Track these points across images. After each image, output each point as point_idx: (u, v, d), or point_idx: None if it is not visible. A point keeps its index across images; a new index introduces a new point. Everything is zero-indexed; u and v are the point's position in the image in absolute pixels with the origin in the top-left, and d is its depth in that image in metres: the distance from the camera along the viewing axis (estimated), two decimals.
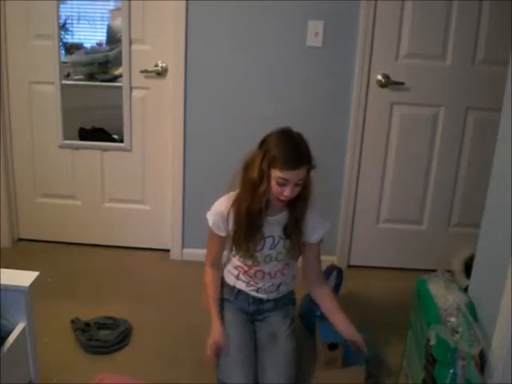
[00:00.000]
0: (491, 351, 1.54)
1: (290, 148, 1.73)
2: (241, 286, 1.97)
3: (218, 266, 2.01)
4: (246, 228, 1.83)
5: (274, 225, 1.87)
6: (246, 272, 1.94)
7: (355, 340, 1.85)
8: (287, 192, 1.72)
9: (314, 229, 1.90)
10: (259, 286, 1.95)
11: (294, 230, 1.86)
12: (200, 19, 2.64)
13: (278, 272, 1.94)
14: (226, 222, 1.86)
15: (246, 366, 1.78)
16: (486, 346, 1.54)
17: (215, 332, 1.85)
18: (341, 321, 1.90)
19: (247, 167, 1.79)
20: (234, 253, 1.93)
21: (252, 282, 1.95)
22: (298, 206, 1.82)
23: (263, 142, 1.79)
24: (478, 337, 1.53)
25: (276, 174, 1.71)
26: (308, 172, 1.77)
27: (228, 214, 1.86)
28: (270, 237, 1.88)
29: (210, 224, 1.90)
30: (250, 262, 1.91)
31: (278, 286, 1.97)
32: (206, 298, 1.96)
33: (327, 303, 1.95)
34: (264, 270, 1.92)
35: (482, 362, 1.55)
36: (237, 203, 1.84)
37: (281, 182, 1.72)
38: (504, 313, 1.49)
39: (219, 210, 1.88)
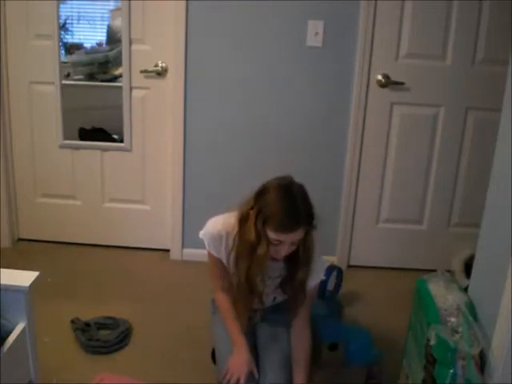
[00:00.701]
0: (491, 351, 1.54)
1: (286, 209, 1.55)
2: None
3: (229, 288, 1.83)
4: (246, 294, 1.73)
5: (268, 269, 1.75)
6: None
7: None
8: (283, 252, 1.60)
9: (312, 278, 1.74)
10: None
11: (291, 288, 1.75)
12: (200, 19, 2.64)
13: (270, 293, 1.90)
14: (219, 247, 1.76)
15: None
16: (486, 346, 1.54)
17: (242, 364, 1.71)
18: (297, 368, 1.78)
19: (243, 221, 1.64)
20: None
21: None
22: (300, 271, 1.67)
23: (260, 195, 1.61)
24: (478, 337, 1.53)
25: (270, 234, 1.56)
26: (308, 232, 1.61)
27: (220, 239, 1.74)
28: (260, 275, 1.77)
29: (207, 247, 1.78)
30: None
31: (274, 299, 1.95)
32: (227, 325, 1.82)
33: (298, 353, 1.81)
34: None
35: (482, 361, 1.54)
36: (236, 265, 1.70)
37: (275, 243, 1.58)
38: (504, 313, 1.48)
39: (213, 232, 1.76)
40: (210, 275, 1.87)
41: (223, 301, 1.84)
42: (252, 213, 1.60)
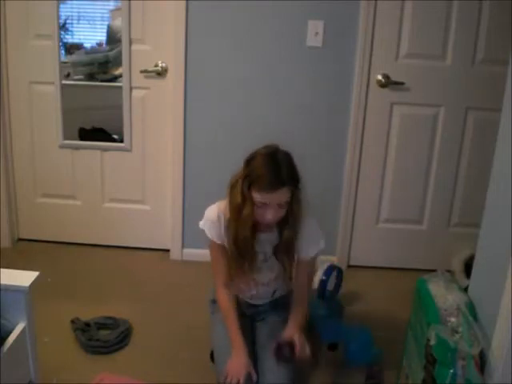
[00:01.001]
0: (491, 351, 1.54)
1: (269, 169, 1.63)
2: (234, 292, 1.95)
3: (230, 282, 1.87)
4: (236, 257, 1.77)
5: (265, 242, 1.81)
6: (237, 283, 1.89)
7: (293, 340, 1.72)
8: (269, 215, 1.65)
9: (307, 245, 1.82)
10: (253, 293, 1.93)
11: (284, 253, 1.80)
12: (200, 19, 2.64)
13: (272, 281, 1.91)
14: (219, 230, 1.80)
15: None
16: (486, 346, 1.54)
17: (241, 366, 1.73)
18: (293, 319, 1.82)
19: (232, 188, 1.72)
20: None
21: (246, 290, 1.93)
22: (285, 230, 1.74)
23: (248, 162, 1.70)
24: (478, 337, 1.53)
25: (255, 195, 1.64)
26: (294, 195, 1.68)
27: (219, 221, 1.79)
28: (261, 252, 1.82)
29: (209, 235, 1.82)
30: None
31: (273, 293, 1.95)
32: (227, 326, 1.84)
33: (296, 297, 1.88)
34: (257, 280, 1.89)
35: (482, 362, 1.55)
36: (227, 230, 1.77)
37: (260, 205, 1.65)
38: (504, 313, 1.49)
39: (211, 217, 1.81)
40: (213, 269, 1.88)
41: (225, 299, 1.85)
42: (240, 179, 1.69)
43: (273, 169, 1.63)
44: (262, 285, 1.89)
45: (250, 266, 1.79)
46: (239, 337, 1.79)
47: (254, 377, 1.73)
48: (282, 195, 1.63)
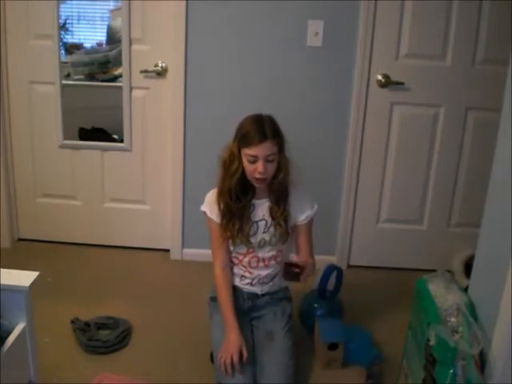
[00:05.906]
0: (491, 351, 1.54)
1: (253, 126, 1.83)
2: (235, 281, 1.98)
3: (228, 265, 1.98)
4: (225, 212, 1.89)
5: (263, 208, 1.92)
6: (240, 261, 1.96)
7: (300, 262, 1.81)
8: (260, 168, 1.79)
9: (301, 210, 1.94)
10: (254, 275, 1.96)
11: (276, 211, 1.90)
12: (200, 19, 2.64)
13: (272, 259, 1.95)
14: (218, 209, 1.92)
15: (245, 366, 1.78)
16: (486, 346, 1.54)
17: (233, 343, 1.82)
18: (303, 252, 1.96)
19: (223, 153, 1.89)
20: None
21: (247, 273, 1.96)
22: (275, 187, 1.88)
23: (238, 127, 1.90)
24: (477, 337, 1.53)
25: (245, 152, 1.82)
26: (280, 150, 1.85)
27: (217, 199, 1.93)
28: (262, 220, 1.92)
29: (209, 214, 1.94)
30: (244, 250, 1.94)
31: (272, 278, 1.98)
32: (221, 305, 1.93)
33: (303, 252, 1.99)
34: (258, 256, 1.94)
35: (482, 362, 1.55)
36: (217, 191, 1.93)
37: (251, 160, 1.81)
38: (504, 313, 1.49)
39: (212, 199, 1.94)
40: (212, 252, 1.99)
41: (221, 279, 1.95)
42: (229, 143, 1.88)
43: (257, 124, 1.83)
44: (263, 264, 1.93)
45: (244, 221, 1.89)
46: (232, 316, 1.87)
47: (245, 352, 1.80)
48: (268, 148, 1.80)
